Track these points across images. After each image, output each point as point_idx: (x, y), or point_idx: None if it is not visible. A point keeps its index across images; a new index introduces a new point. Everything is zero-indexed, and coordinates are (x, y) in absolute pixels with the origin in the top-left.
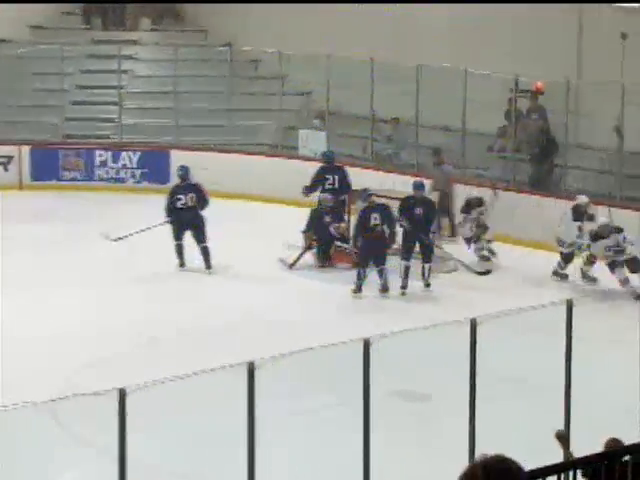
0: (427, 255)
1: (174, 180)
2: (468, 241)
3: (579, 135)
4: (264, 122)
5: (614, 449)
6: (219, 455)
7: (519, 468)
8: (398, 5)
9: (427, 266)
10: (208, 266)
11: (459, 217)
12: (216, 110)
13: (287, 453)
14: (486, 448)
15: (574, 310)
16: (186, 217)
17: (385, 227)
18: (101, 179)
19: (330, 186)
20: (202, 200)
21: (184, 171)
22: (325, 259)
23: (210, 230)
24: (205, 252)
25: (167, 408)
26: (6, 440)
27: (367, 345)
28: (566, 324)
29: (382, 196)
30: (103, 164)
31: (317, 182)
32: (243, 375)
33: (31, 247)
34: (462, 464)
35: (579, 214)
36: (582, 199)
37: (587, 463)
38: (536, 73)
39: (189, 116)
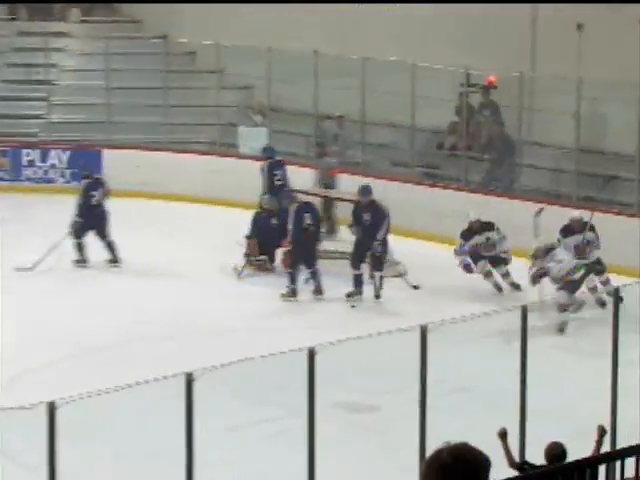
0: (377, 263)
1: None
2: (467, 269)
3: (533, 132)
4: (202, 119)
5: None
6: (156, 473)
7: (482, 454)
8: None
9: (378, 274)
10: (115, 260)
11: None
12: (151, 106)
13: (229, 472)
14: None
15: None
16: (95, 214)
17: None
18: (28, 179)
19: (279, 182)
20: (107, 194)
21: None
22: (269, 263)
23: (139, 232)
24: (112, 246)
25: (100, 422)
26: None
27: (312, 354)
28: (521, 331)
29: (312, 194)
30: (30, 164)
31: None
32: (181, 387)
33: None
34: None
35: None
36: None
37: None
38: (488, 66)
39: (122, 112)
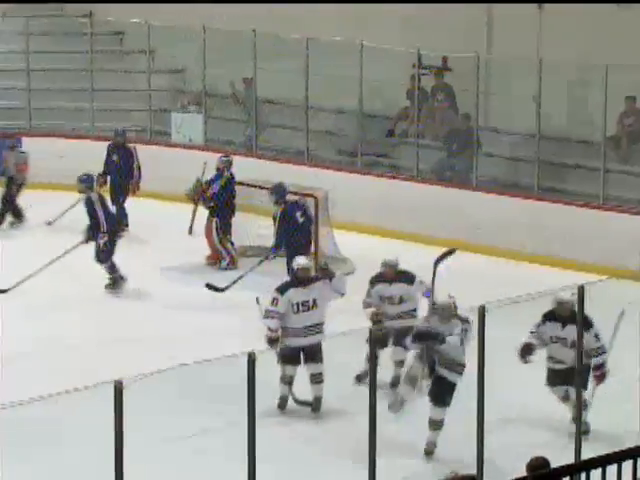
0: None
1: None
2: None
3: (490, 118)
4: (131, 104)
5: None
6: None
7: None
8: None
9: None
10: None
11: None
12: (75, 90)
13: None
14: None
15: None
16: None
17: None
18: None
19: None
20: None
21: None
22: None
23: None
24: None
25: (21, 438)
26: None
27: (252, 360)
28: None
29: (253, 186)
30: None
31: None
32: (109, 396)
33: None
34: None
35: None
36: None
37: None
38: (441, 46)
39: (44, 97)
